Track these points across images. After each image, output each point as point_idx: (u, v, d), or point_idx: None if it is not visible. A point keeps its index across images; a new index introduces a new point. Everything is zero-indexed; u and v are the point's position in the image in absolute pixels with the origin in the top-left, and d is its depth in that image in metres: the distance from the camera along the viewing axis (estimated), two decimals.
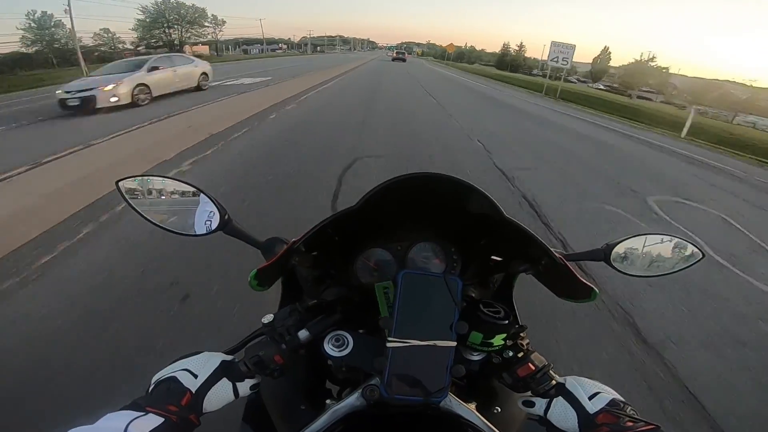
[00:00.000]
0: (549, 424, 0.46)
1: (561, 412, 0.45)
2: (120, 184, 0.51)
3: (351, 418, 0.44)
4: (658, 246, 0.54)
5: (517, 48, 76.27)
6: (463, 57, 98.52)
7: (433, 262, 0.62)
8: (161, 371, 0.44)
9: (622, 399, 0.43)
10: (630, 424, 0.39)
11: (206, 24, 47.70)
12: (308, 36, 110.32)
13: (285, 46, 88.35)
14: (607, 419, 0.41)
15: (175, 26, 41.81)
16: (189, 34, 44.60)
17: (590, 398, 0.44)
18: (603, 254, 0.53)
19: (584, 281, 0.49)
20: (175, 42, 41.79)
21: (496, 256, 0.61)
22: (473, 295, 0.60)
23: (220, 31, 51.91)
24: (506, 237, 0.54)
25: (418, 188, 0.52)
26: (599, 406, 0.42)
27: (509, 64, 68.95)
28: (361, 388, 0.45)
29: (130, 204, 0.51)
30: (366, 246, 0.61)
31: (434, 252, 0.62)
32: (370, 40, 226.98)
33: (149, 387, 0.42)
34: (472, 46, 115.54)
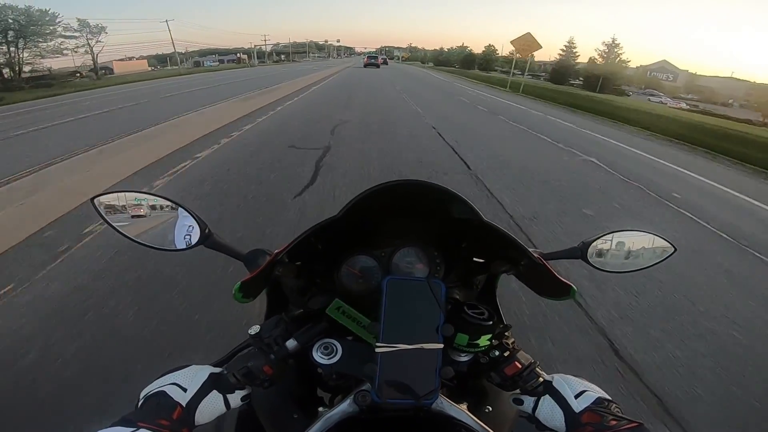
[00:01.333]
0: (538, 422, 0.56)
1: (548, 410, 0.55)
2: (96, 200, 0.60)
3: (344, 424, 0.52)
4: (632, 242, 0.67)
5: (604, 48, 52.09)
6: (473, 62, 79.87)
7: (417, 266, 0.73)
8: (149, 386, 0.52)
9: (608, 397, 0.54)
10: (613, 422, 0.48)
11: (69, 33, 36.89)
12: (264, 42, 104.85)
13: (245, 56, 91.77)
14: (592, 418, 0.50)
15: (10, 39, 30.48)
16: (38, 48, 32.98)
17: (576, 397, 0.54)
18: (580, 252, 0.66)
19: (562, 279, 0.61)
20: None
21: (478, 258, 0.73)
22: (458, 297, 0.70)
23: (97, 41, 41.27)
24: (487, 239, 0.66)
25: (399, 195, 0.63)
26: (584, 405, 0.52)
27: (598, 80, 45.04)
28: (353, 394, 0.54)
29: (106, 220, 0.60)
30: (350, 253, 0.71)
31: (417, 257, 0.73)
32: (347, 46, 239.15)
33: (138, 402, 0.50)
34: (491, 45, 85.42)
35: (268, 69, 44.56)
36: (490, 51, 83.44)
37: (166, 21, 55.17)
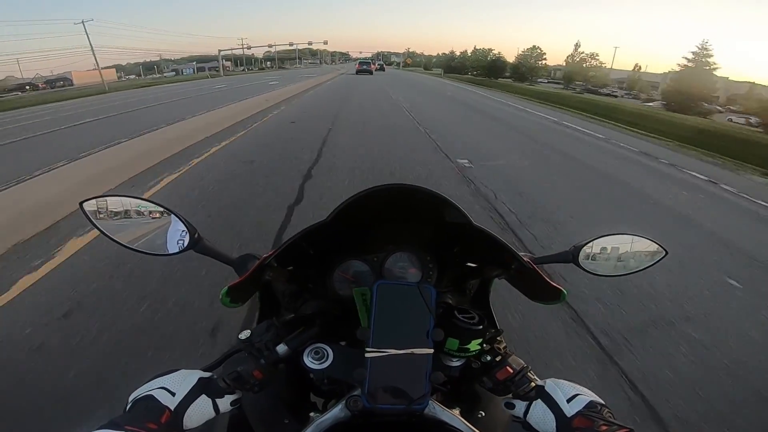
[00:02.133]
0: (530, 426, 0.61)
1: (540, 415, 0.60)
2: (84, 205, 0.65)
3: (336, 430, 0.57)
4: (623, 245, 0.73)
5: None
6: (501, 70, 66.41)
7: (410, 271, 0.79)
8: (137, 390, 0.57)
9: (600, 401, 0.59)
10: (604, 427, 0.53)
11: None
12: (242, 46, 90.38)
13: (229, 64, 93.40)
14: (583, 423, 0.56)
15: None
16: None
17: (568, 401, 0.59)
18: (571, 256, 0.72)
19: (552, 284, 0.67)
20: None
21: (471, 262, 0.80)
22: (450, 301, 0.76)
23: None
24: (479, 244, 0.72)
25: (391, 199, 0.70)
26: (576, 409, 0.57)
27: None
28: (345, 399, 0.59)
29: (95, 225, 0.65)
30: (342, 258, 0.77)
31: (410, 261, 0.79)
32: (341, 51, 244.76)
33: (126, 406, 0.55)
34: (535, 47, 66.83)
35: (232, 80, 38.93)
36: (535, 55, 66.44)
37: (82, 22, 45.22)
